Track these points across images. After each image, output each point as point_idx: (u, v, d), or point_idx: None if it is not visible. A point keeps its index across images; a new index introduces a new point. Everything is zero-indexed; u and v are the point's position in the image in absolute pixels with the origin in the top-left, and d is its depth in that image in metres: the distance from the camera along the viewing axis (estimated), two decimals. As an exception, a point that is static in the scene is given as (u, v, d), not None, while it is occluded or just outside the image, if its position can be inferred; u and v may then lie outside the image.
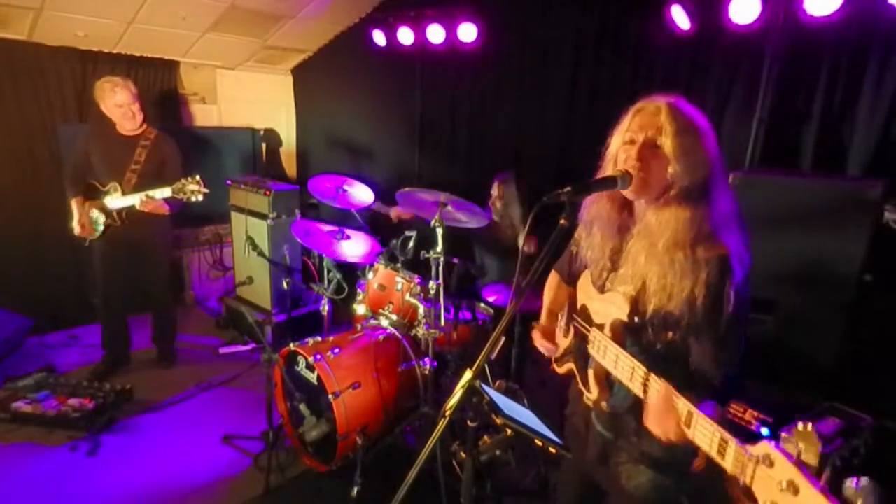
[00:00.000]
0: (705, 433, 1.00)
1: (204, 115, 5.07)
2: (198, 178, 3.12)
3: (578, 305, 1.51)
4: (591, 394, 1.41)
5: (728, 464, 0.95)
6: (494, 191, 3.47)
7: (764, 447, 0.88)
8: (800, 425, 0.95)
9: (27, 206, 4.06)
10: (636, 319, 1.27)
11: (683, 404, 1.06)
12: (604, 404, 1.41)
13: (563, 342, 1.58)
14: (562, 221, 1.18)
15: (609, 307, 1.33)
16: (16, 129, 3.96)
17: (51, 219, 4.04)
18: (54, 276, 4.22)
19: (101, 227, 3.29)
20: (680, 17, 2.99)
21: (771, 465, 0.86)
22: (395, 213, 3.89)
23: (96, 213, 3.28)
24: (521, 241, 3.43)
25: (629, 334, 1.29)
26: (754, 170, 2.85)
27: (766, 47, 2.81)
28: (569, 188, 1.18)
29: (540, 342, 1.60)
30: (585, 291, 1.48)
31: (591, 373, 1.40)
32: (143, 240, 3.40)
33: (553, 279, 1.68)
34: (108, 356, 3.63)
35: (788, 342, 2.37)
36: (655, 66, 3.30)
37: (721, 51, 3.02)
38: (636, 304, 1.26)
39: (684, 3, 2.95)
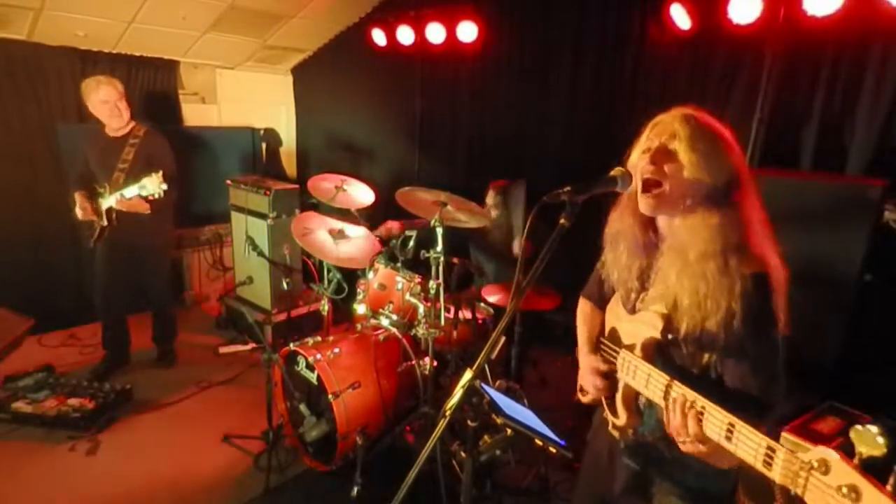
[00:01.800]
0: (749, 444, 0.94)
1: (204, 115, 5.07)
2: (160, 172, 3.03)
3: (607, 329, 1.45)
4: (619, 419, 1.35)
5: (776, 474, 0.88)
6: (489, 199, 3.46)
7: (819, 451, 0.82)
8: (858, 426, 0.88)
9: (27, 206, 4.06)
10: (669, 337, 1.22)
11: (722, 417, 1.00)
12: (630, 431, 1.34)
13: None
14: (562, 221, 1.17)
15: (640, 327, 1.28)
16: (16, 129, 3.96)
17: (51, 219, 4.05)
18: (54, 276, 4.22)
19: (98, 230, 3.30)
20: (680, 17, 3.00)
21: (826, 470, 0.80)
22: (384, 231, 3.80)
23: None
24: (516, 247, 3.42)
25: (660, 353, 1.24)
26: (754, 170, 2.85)
27: (766, 47, 2.81)
28: (569, 188, 1.17)
29: (590, 379, 1.42)
30: (615, 314, 1.43)
31: (618, 397, 1.34)
32: (142, 241, 3.40)
33: (585, 307, 1.60)
34: (108, 356, 3.64)
35: (788, 342, 2.36)
36: (655, 66, 3.30)
37: (721, 51, 3.02)
38: (669, 322, 1.21)
39: (684, 3, 2.95)
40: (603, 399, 1.43)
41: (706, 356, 1.20)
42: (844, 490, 0.76)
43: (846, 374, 2.36)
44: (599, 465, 1.49)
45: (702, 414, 1.06)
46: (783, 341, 1.19)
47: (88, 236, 3.38)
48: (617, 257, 1.36)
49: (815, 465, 0.81)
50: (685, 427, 1.07)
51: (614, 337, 1.41)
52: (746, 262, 1.14)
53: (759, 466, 0.91)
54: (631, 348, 1.30)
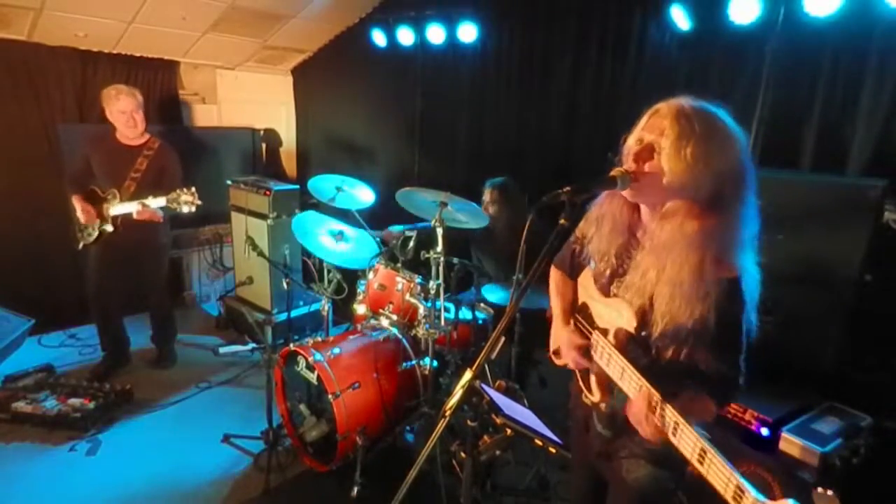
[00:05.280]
0: (720, 476, 0.96)
1: (204, 115, 5.07)
2: (192, 190, 3.13)
3: (579, 302, 1.49)
4: (594, 396, 1.41)
5: None
6: (486, 196, 3.45)
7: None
8: (819, 489, 0.88)
9: (27, 207, 4.06)
10: (643, 333, 1.25)
11: (696, 440, 1.03)
12: (603, 406, 1.40)
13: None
14: (562, 221, 1.17)
15: (614, 314, 1.31)
16: (16, 129, 3.96)
17: (51, 219, 4.04)
18: (54, 276, 4.21)
19: (96, 233, 3.30)
20: (680, 17, 3.00)
21: None
22: (386, 235, 3.78)
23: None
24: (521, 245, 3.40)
25: (632, 345, 1.28)
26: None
27: (766, 47, 2.81)
28: (569, 188, 1.18)
29: (571, 354, 1.51)
30: (586, 289, 1.46)
31: (593, 377, 1.39)
32: (139, 242, 3.40)
33: (557, 276, 1.62)
34: (108, 356, 3.63)
35: (788, 342, 2.37)
36: (655, 66, 3.30)
37: (721, 51, 3.02)
38: (643, 318, 1.24)
39: (684, 3, 2.95)
40: (577, 373, 1.49)
41: (676, 350, 1.23)
42: None
43: (846, 374, 2.36)
44: (579, 432, 1.57)
45: (675, 429, 1.09)
46: (748, 342, 1.22)
47: (80, 238, 3.37)
48: (599, 231, 1.37)
49: None
50: (650, 429, 1.14)
51: (586, 314, 1.44)
52: (721, 268, 1.16)
53: (728, 500, 0.93)
54: (604, 332, 1.34)
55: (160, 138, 3.47)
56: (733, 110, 1.27)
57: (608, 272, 1.36)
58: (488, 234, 3.45)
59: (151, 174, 3.32)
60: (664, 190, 1.18)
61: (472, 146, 4.42)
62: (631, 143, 1.25)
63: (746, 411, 2.22)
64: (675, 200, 1.19)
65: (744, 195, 1.19)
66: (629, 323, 1.26)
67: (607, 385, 1.36)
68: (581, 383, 1.47)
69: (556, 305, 1.60)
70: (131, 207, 3.16)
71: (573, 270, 1.56)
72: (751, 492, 0.89)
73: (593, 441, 1.50)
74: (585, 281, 1.47)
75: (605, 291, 1.37)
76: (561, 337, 1.51)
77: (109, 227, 3.25)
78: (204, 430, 3.08)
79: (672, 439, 1.10)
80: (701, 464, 1.00)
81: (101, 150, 3.34)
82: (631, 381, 1.21)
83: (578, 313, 1.48)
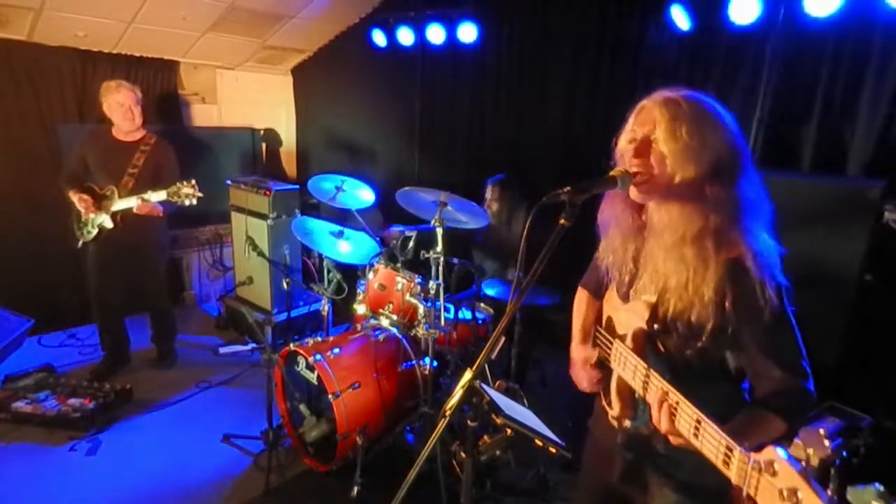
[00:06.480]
0: (712, 442, 0.93)
1: (204, 116, 5.07)
2: (193, 182, 3.12)
3: (604, 319, 1.47)
4: (613, 409, 1.36)
5: (732, 473, 0.88)
6: (488, 194, 3.47)
7: (769, 453, 0.81)
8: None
9: (27, 206, 4.06)
10: (656, 326, 1.22)
11: (691, 412, 0.99)
12: (627, 422, 1.34)
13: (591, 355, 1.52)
14: (562, 221, 1.16)
15: (631, 317, 1.29)
16: (15, 129, 3.96)
17: (51, 219, 4.03)
18: (54, 276, 4.21)
19: (95, 230, 3.30)
20: (680, 18, 3.00)
21: (774, 473, 0.79)
22: (388, 237, 3.76)
23: (93, 216, 3.28)
24: (510, 274, 3.42)
25: (649, 344, 1.24)
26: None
27: (766, 47, 2.81)
28: (568, 188, 1.17)
29: (583, 372, 1.48)
30: (611, 303, 1.43)
31: (612, 388, 1.35)
32: (138, 241, 3.40)
33: (581, 297, 1.61)
34: (108, 356, 3.63)
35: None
36: (655, 66, 3.30)
37: (721, 51, 3.02)
38: (656, 311, 1.21)
39: (684, 3, 2.95)
40: (600, 388, 1.44)
41: (698, 343, 1.17)
42: (785, 493, 0.76)
43: (846, 374, 2.36)
44: (599, 452, 1.51)
45: (675, 408, 1.05)
46: (785, 324, 1.13)
47: (80, 236, 3.37)
48: (610, 242, 1.35)
49: (763, 466, 0.81)
50: (660, 422, 1.07)
51: (610, 327, 1.41)
52: (727, 247, 1.12)
53: (720, 466, 0.90)
54: (623, 338, 1.30)
55: (156, 134, 3.46)
56: (733, 110, 1.25)
57: (627, 278, 1.33)
58: (490, 233, 3.46)
59: (149, 170, 3.31)
60: (670, 178, 1.16)
61: (471, 146, 4.42)
62: (623, 144, 1.24)
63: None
64: (676, 184, 1.16)
65: (743, 171, 1.18)
66: (642, 319, 1.23)
67: (629, 398, 1.31)
68: (603, 398, 1.43)
69: (574, 326, 1.57)
70: (131, 202, 3.16)
71: (599, 289, 1.52)
72: (737, 448, 0.87)
73: (615, 464, 1.43)
74: (610, 296, 1.44)
75: (626, 298, 1.34)
76: (575, 356, 1.48)
77: (109, 223, 3.24)
78: (204, 430, 3.08)
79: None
80: (696, 437, 0.97)
81: (98, 148, 3.33)
82: (639, 378, 1.18)
83: (604, 328, 1.44)
